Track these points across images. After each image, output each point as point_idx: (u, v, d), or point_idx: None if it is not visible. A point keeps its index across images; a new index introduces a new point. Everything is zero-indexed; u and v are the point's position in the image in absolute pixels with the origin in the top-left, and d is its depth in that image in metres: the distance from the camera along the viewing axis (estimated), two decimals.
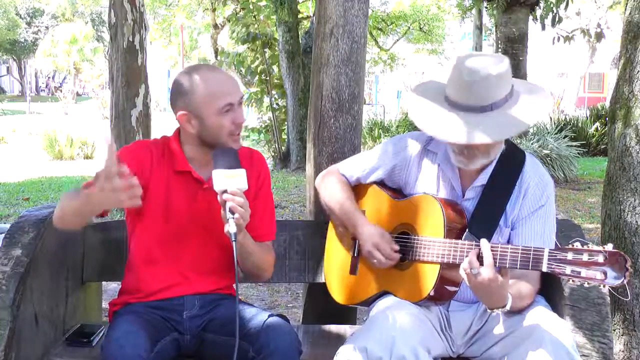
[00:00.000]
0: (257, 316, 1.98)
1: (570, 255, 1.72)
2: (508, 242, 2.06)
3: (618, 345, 2.71)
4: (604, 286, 1.68)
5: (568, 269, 1.72)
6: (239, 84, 2.05)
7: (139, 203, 1.73)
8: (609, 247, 1.69)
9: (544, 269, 1.77)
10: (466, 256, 1.90)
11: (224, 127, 1.96)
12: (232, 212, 1.83)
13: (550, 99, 2.05)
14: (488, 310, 1.92)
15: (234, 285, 2.14)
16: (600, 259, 1.68)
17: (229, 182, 1.85)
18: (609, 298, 2.03)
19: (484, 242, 1.83)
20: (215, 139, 1.98)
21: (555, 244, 2.03)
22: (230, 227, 1.82)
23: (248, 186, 1.88)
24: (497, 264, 1.87)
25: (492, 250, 1.85)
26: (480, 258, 1.82)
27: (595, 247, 1.70)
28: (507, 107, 1.93)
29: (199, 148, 2.04)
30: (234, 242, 1.82)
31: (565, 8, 8.59)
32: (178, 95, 1.99)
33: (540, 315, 1.93)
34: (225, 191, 1.84)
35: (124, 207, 1.77)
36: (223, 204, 1.85)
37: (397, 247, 2.07)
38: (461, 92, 1.92)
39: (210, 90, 1.95)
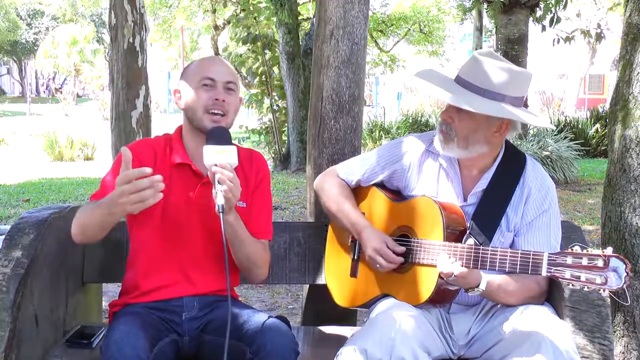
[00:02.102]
0: (254, 317, 1.97)
1: (569, 260, 1.72)
2: (511, 247, 2.06)
3: (618, 347, 2.71)
4: (603, 290, 1.68)
5: (567, 273, 1.72)
6: (233, 73, 2.10)
7: (160, 197, 1.75)
8: (609, 251, 1.69)
9: (544, 274, 1.77)
10: (467, 259, 1.90)
11: (200, 99, 2.01)
12: (220, 184, 1.84)
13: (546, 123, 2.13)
14: (466, 292, 1.96)
15: (242, 293, 2.14)
16: (599, 263, 1.68)
17: (219, 156, 1.87)
18: (609, 300, 2.03)
19: (447, 260, 1.90)
20: (193, 113, 2.03)
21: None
22: (218, 199, 1.82)
23: (244, 177, 1.89)
24: (497, 269, 1.88)
25: (491, 255, 1.87)
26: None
27: (595, 252, 1.70)
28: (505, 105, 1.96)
29: (197, 138, 2.06)
30: (221, 215, 1.81)
31: (564, 8, 8.59)
32: (181, 75, 2.13)
33: (541, 316, 1.93)
34: (214, 165, 1.86)
35: (147, 207, 1.77)
36: (212, 179, 1.86)
37: (401, 250, 2.07)
38: (473, 70, 1.98)
39: (197, 66, 2.09)
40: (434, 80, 2.06)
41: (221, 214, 1.82)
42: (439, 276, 1.94)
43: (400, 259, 2.06)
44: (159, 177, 1.73)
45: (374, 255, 2.09)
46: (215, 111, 2.01)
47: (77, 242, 2.00)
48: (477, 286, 1.92)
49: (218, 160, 1.86)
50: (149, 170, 1.73)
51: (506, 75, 1.95)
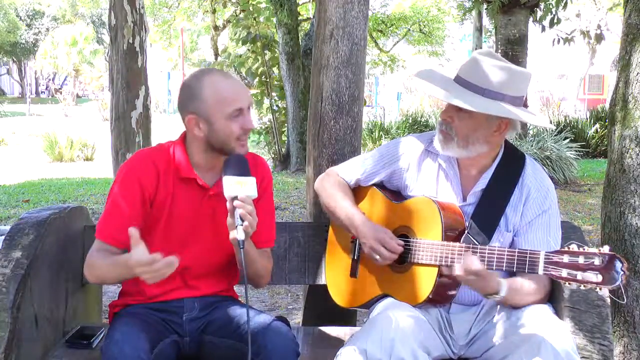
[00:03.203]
0: (255, 318, 1.97)
1: (566, 258, 1.72)
2: (511, 246, 2.06)
3: (618, 347, 2.71)
4: (600, 289, 1.68)
5: (564, 272, 1.72)
6: (247, 89, 2.03)
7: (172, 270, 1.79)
8: (606, 249, 1.69)
9: (540, 272, 1.77)
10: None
11: (232, 132, 1.94)
12: (242, 220, 1.83)
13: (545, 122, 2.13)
14: (485, 298, 1.95)
15: (243, 292, 2.15)
16: (596, 261, 1.67)
17: (239, 188, 1.86)
18: (609, 300, 2.03)
19: (468, 258, 1.86)
20: (223, 143, 1.96)
21: None
22: (239, 235, 1.83)
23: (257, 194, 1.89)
24: (494, 267, 1.88)
25: (489, 253, 1.87)
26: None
27: (591, 250, 1.69)
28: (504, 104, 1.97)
29: (206, 153, 2.02)
30: (241, 250, 1.83)
31: (564, 8, 8.60)
32: (188, 98, 1.97)
33: (541, 317, 1.93)
34: (235, 198, 1.85)
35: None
36: (231, 211, 1.85)
37: (401, 242, 2.07)
38: (472, 70, 1.97)
39: (221, 94, 1.93)
40: (434, 80, 2.06)
41: (241, 249, 1.83)
42: (438, 274, 1.94)
43: (401, 249, 2.06)
44: (173, 259, 1.75)
45: (376, 246, 2.07)
46: (245, 137, 1.98)
47: (90, 282, 2.11)
48: (497, 293, 1.90)
49: (239, 192, 1.85)
50: (158, 257, 1.73)
51: (506, 74, 1.95)
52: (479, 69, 1.97)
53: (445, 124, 2.02)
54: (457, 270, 1.87)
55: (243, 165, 1.93)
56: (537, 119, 2.07)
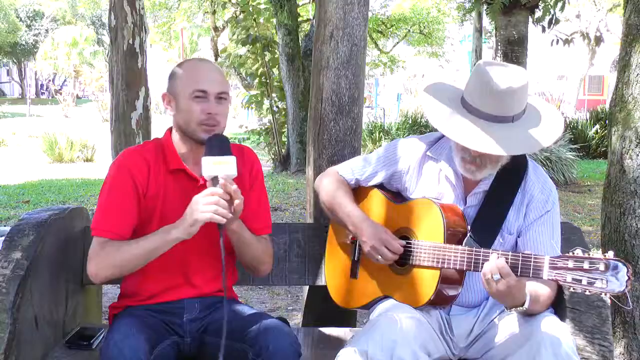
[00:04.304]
0: (256, 319, 1.97)
1: (571, 263, 1.71)
2: (514, 249, 2.05)
3: (618, 348, 2.71)
4: (605, 294, 1.67)
5: (569, 277, 1.70)
6: (224, 81, 2.04)
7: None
8: (610, 254, 1.67)
9: (545, 277, 1.76)
10: (468, 262, 1.90)
11: (192, 112, 1.97)
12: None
13: (559, 114, 2.07)
14: (507, 310, 1.93)
15: (242, 292, 2.15)
16: (601, 267, 1.66)
17: (218, 168, 1.84)
18: (609, 301, 2.03)
19: (493, 255, 1.82)
20: (186, 124, 2.00)
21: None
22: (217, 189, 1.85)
23: (238, 174, 1.88)
24: None
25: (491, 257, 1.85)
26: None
27: (597, 255, 1.68)
28: (526, 119, 1.94)
29: (187, 143, 2.05)
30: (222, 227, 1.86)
31: (562, 9, 8.60)
32: (168, 79, 2.07)
33: (541, 317, 1.93)
34: (214, 177, 1.85)
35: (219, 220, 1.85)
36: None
37: (402, 242, 2.06)
38: (486, 101, 1.90)
39: (189, 73, 2.01)
40: (454, 119, 1.95)
41: (222, 227, 1.85)
42: (439, 276, 1.93)
43: (402, 249, 2.05)
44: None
45: (378, 246, 2.06)
46: (209, 123, 1.98)
47: (98, 281, 2.04)
48: (523, 304, 1.87)
49: (217, 172, 1.84)
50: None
51: (518, 87, 1.89)
52: (503, 98, 1.89)
53: (479, 158, 1.96)
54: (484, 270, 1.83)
55: (222, 144, 1.91)
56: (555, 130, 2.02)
